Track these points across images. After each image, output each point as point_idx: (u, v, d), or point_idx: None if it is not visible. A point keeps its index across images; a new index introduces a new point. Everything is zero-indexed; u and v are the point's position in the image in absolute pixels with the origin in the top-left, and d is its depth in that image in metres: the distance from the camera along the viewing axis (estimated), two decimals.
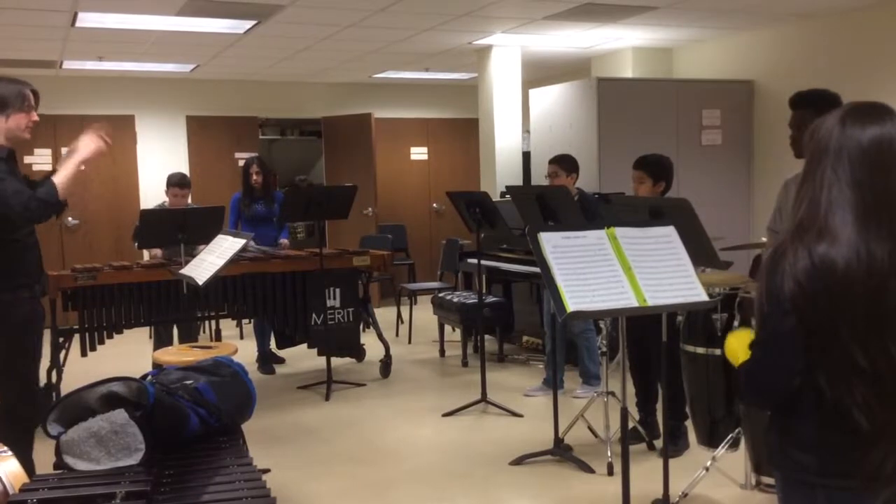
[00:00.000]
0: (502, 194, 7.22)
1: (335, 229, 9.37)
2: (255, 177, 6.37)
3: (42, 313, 3.47)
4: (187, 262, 4.52)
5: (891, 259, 1.58)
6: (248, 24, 6.35)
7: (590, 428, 4.51)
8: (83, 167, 3.38)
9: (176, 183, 6.02)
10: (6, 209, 3.18)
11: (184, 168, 8.78)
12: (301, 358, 6.57)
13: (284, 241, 6.55)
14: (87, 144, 3.39)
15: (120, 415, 2.28)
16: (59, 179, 3.30)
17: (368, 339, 6.40)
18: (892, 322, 1.58)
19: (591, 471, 4.09)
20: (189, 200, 6.33)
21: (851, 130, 1.64)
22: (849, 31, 6.54)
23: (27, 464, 3.12)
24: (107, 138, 3.44)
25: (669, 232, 2.67)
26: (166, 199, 6.12)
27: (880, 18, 6.31)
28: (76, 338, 5.28)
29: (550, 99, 7.35)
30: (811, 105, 3.23)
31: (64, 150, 3.41)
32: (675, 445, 4.14)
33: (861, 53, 6.42)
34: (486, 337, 6.42)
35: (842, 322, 1.58)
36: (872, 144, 1.62)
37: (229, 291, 5.53)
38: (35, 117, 3.39)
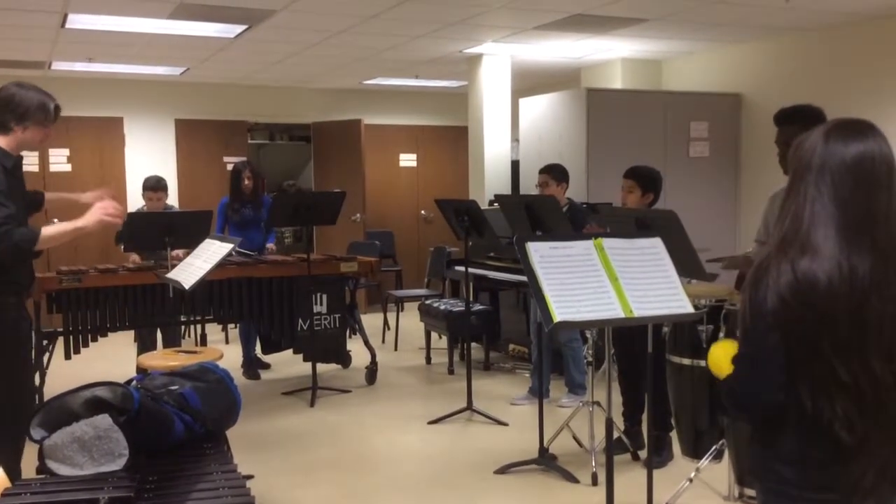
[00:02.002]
0: (491, 202, 7.24)
1: (323, 235, 9.36)
2: (246, 181, 6.33)
3: (29, 319, 3.45)
4: (174, 266, 4.50)
5: (872, 274, 1.59)
6: (240, 28, 6.35)
7: (575, 437, 4.52)
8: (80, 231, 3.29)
9: (150, 187, 5.99)
10: None
11: (172, 171, 8.76)
12: (286, 363, 6.55)
13: (271, 245, 6.53)
14: (95, 214, 3.29)
15: (104, 420, 2.27)
16: (48, 232, 3.20)
17: (354, 346, 6.39)
18: (874, 337, 1.59)
19: (576, 480, 4.10)
20: (175, 203, 6.30)
21: (834, 146, 1.65)
22: (835, 46, 6.61)
23: (14, 470, 3.09)
24: (116, 214, 3.33)
25: (656, 243, 2.69)
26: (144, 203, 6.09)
27: (867, 34, 6.38)
28: (60, 340, 5.26)
29: (540, 108, 7.38)
30: (796, 121, 3.26)
31: (53, 151, 3.42)
32: (659, 456, 4.15)
33: (847, 68, 6.49)
34: (473, 345, 6.43)
35: (824, 336, 1.60)
36: (854, 161, 1.63)
37: (215, 296, 5.52)
38: (51, 132, 3.32)
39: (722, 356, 1.79)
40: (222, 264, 4.43)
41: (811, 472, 1.68)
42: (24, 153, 3.41)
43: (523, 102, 7.63)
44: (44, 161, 8.41)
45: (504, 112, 7.94)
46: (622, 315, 2.49)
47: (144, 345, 5.75)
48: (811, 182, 1.65)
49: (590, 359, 4.51)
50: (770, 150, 3.48)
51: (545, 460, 4.29)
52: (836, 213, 1.62)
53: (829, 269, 1.59)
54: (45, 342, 5.19)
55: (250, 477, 3.20)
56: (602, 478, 3.81)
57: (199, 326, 5.43)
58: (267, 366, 6.64)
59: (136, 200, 8.13)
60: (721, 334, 3.54)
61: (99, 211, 3.30)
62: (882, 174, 1.64)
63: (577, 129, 6.89)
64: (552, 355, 5.60)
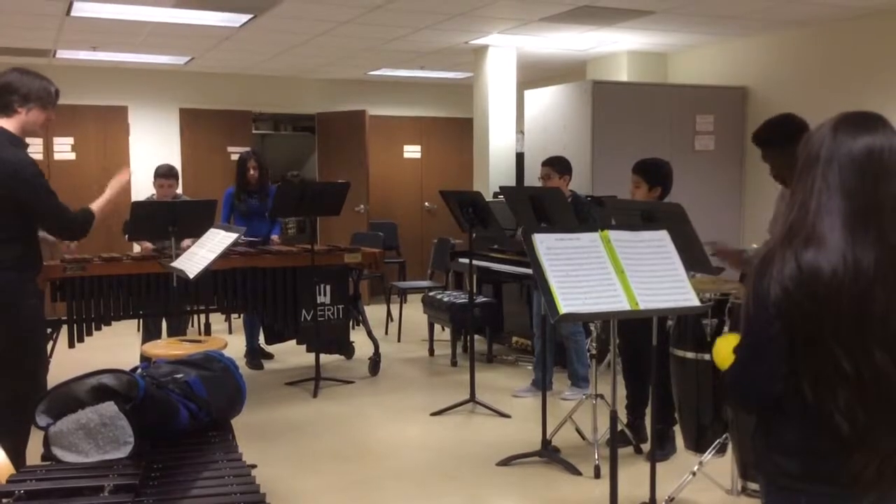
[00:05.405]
0: (495, 194, 7.23)
1: (326, 226, 9.35)
2: (252, 171, 6.33)
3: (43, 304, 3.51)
4: (178, 255, 4.51)
5: (877, 266, 1.59)
6: (245, 17, 6.34)
7: (577, 430, 4.52)
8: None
9: (163, 174, 6.03)
10: (58, 222, 3.41)
11: (176, 160, 8.75)
12: (290, 354, 6.56)
13: (275, 237, 6.53)
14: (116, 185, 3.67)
15: (109, 407, 2.26)
16: (96, 208, 3.54)
17: (358, 337, 6.40)
18: (877, 328, 1.59)
19: (578, 473, 4.10)
20: (180, 191, 6.31)
21: (842, 139, 1.65)
22: (841, 39, 6.58)
23: (19, 456, 3.09)
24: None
25: (662, 236, 2.69)
26: (154, 190, 6.12)
27: (872, 28, 6.35)
28: (64, 329, 5.26)
29: (545, 100, 7.36)
30: (774, 143, 3.33)
31: (58, 139, 3.56)
32: (662, 449, 4.15)
33: (853, 62, 6.46)
34: (476, 337, 6.43)
35: (827, 327, 1.59)
36: (863, 153, 1.63)
37: (219, 285, 5.51)
38: (52, 115, 3.48)
39: (725, 350, 1.80)
40: (226, 254, 4.43)
41: (813, 465, 1.68)
42: (28, 141, 3.46)
43: (528, 94, 7.61)
44: (48, 149, 8.41)
45: (509, 104, 7.92)
46: (628, 307, 2.48)
47: (150, 334, 5.76)
48: (818, 174, 1.65)
49: (593, 352, 4.51)
50: None
51: (548, 452, 4.30)
52: (842, 204, 1.62)
53: (833, 260, 1.59)
54: (48, 330, 5.19)
55: (253, 466, 3.21)
56: (604, 470, 3.83)
57: (203, 316, 5.44)
58: (270, 356, 6.65)
59: (139, 189, 8.14)
60: (726, 328, 3.54)
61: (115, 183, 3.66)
62: (891, 167, 1.63)
63: (583, 121, 6.87)
64: (555, 348, 5.60)
